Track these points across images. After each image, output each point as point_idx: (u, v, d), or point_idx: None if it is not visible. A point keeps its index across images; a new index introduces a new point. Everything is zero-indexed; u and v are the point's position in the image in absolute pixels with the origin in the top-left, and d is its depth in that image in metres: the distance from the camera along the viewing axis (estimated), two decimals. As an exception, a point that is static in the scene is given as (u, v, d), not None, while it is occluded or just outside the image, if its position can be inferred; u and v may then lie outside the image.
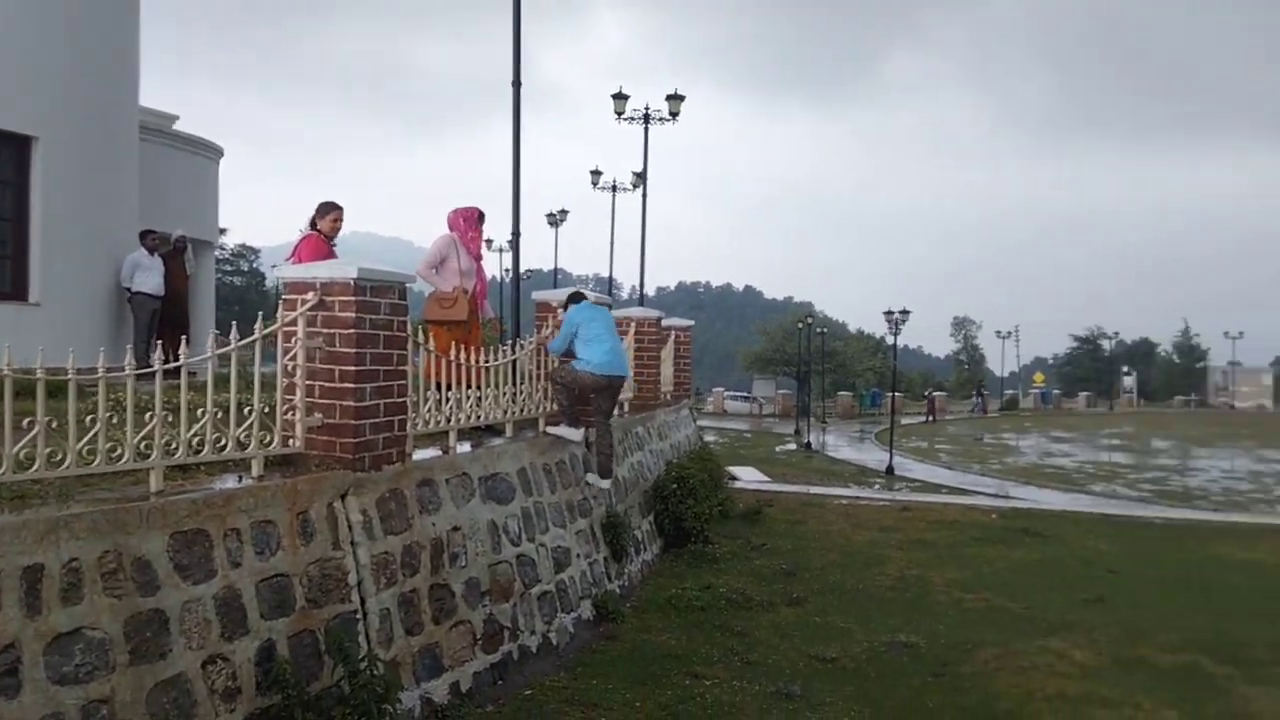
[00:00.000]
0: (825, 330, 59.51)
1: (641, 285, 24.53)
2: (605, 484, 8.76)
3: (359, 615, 5.17)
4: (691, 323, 16.06)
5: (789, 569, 10.09)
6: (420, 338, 6.39)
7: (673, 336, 14.93)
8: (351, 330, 5.36)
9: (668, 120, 23.97)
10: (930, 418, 49.71)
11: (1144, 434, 44.41)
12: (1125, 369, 72.57)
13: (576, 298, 8.74)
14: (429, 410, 6.53)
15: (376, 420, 5.55)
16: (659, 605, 8.45)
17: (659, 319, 13.19)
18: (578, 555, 7.92)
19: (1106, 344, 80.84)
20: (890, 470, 25.25)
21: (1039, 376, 73.78)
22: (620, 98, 23.79)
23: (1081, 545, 12.04)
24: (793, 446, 34.72)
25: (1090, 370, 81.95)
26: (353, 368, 5.36)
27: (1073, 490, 22.40)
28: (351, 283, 5.35)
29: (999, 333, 69.48)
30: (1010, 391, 67.40)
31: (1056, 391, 71.07)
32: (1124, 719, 6.11)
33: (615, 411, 9.33)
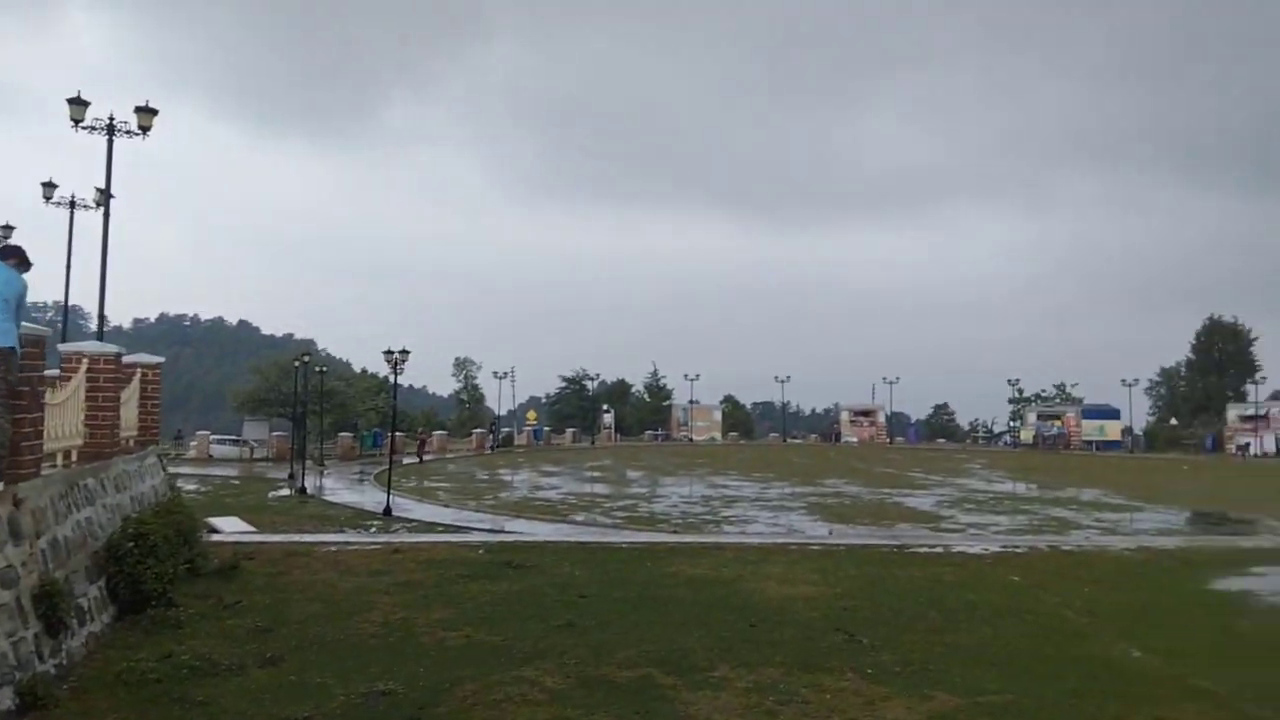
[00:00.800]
0: (325, 369, 57.68)
1: (101, 316, 21.41)
2: None
3: None
4: (161, 359, 14.50)
5: (265, 626, 9.41)
6: None
7: (138, 375, 13.33)
8: None
9: (137, 135, 21.18)
10: (420, 458, 50.34)
11: (620, 465, 49.17)
12: (605, 407, 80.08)
13: None
14: None
15: None
16: (106, 683, 7.36)
17: (118, 354, 11.67)
18: (-8, 636, 6.59)
19: (590, 384, 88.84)
20: (388, 512, 24.97)
21: (532, 414, 78.76)
22: (79, 103, 20.61)
23: (559, 573, 12.84)
24: (286, 492, 32.90)
25: (577, 408, 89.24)
26: None
27: (557, 521, 23.96)
28: None
29: (496, 373, 72.89)
30: (506, 429, 70.82)
31: (547, 428, 76.20)
32: (585, 737, 6.50)
33: (62, 461, 7.98)
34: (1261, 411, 62.55)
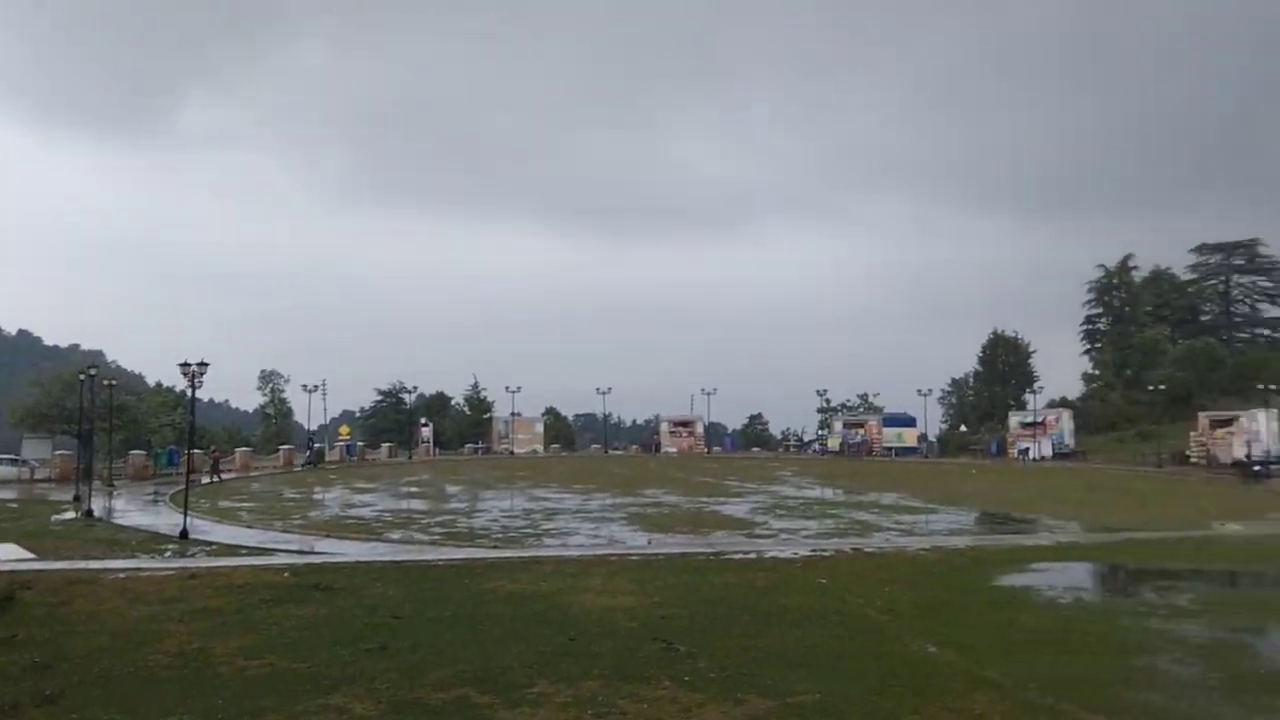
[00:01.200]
0: (115, 382, 53.52)
1: None
2: None
3: None
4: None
5: (44, 661, 8.60)
6: None
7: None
8: None
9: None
10: (217, 476, 47.52)
11: (439, 480, 48.10)
12: (423, 420, 78.19)
13: None
14: None
15: None
16: None
17: None
18: None
19: (408, 397, 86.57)
20: (185, 534, 23.37)
21: (345, 429, 75.85)
22: None
23: (371, 594, 12.38)
24: (72, 515, 30.26)
25: (393, 422, 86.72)
26: None
27: (371, 540, 23.13)
28: None
29: (306, 386, 69.83)
30: (318, 445, 67.99)
31: (362, 443, 73.69)
32: (397, 764, 6.25)
33: None
34: (1039, 419, 68.03)
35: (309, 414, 72.64)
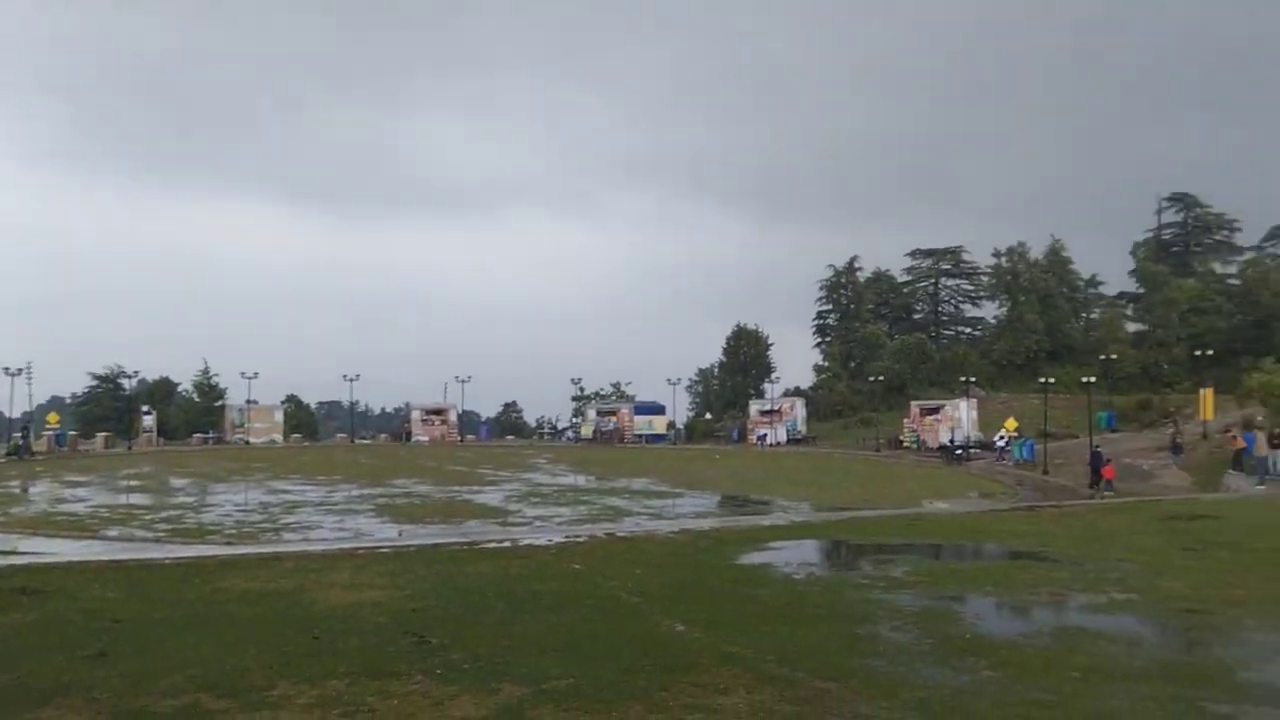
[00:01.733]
0: None
1: None
2: None
3: None
4: None
5: None
6: None
7: None
8: None
9: None
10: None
11: (163, 473, 44.53)
12: (145, 408, 71.98)
13: None
14: None
15: None
16: None
17: None
18: None
19: (127, 382, 79.35)
20: None
21: (54, 417, 68.50)
22: None
23: (88, 596, 11.25)
24: None
25: (111, 409, 79.37)
26: None
27: (86, 538, 21.06)
28: None
29: (8, 370, 62.41)
30: (20, 434, 60.96)
31: (74, 433, 66.90)
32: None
33: None
34: (776, 407, 72.53)
35: (11, 400, 65.18)
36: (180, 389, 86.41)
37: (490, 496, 31.05)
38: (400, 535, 20.27)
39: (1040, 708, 7.16)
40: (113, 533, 22.11)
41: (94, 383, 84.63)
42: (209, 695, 7.31)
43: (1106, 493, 32.04)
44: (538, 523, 23.30)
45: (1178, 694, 7.59)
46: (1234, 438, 37.78)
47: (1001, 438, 51.03)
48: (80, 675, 7.85)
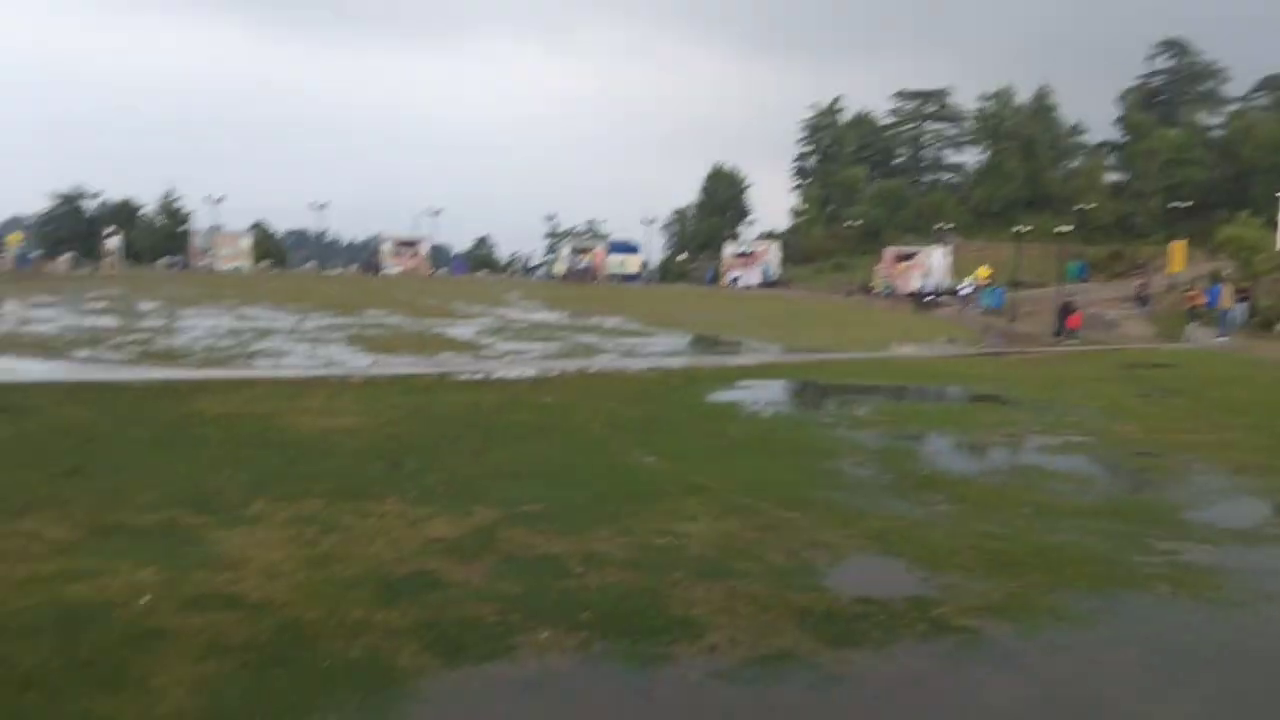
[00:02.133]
0: None
1: None
2: None
3: None
4: None
5: None
6: None
7: None
8: None
9: None
10: None
11: (131, 296, 44.03)
12: (112, 229, 70.52)
13: None
14: None
15: None
16: None
17: None
18: None
19: (90, 203, 77.51)
20: None
21: (15, 236, 67.02)
22: None
23: (59, 415, 11.30)
24: None
25: (72, 231, 77.78)
26: None
27: (55, 358, 20.97)
28: None
29: (-36, 187, 60.69)
30: (-18, 254, 59.83)
31: (38, 253, 65.67)
32: (101, 588, 5.86)
33: None
34: (751, 250, 72.33)
35: (-33, 219, 63.52)
36: (142, 212, 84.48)
37: (463, 330, 31.09)
38: (373, 364, 20.35)
39: (992, 538, 7.47)
40: (82, 354, 21.99)
41: (56, 202, 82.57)
42: (185, 511, 7.45)
43: (1070, 341, 32.65)
44: (510, 357, 23.46)
45: (1124, 530, 7.93)
46: (1193, 296, 38.25)
47: (967, 285, 51.31)
48: (56, 490, 7.95)
